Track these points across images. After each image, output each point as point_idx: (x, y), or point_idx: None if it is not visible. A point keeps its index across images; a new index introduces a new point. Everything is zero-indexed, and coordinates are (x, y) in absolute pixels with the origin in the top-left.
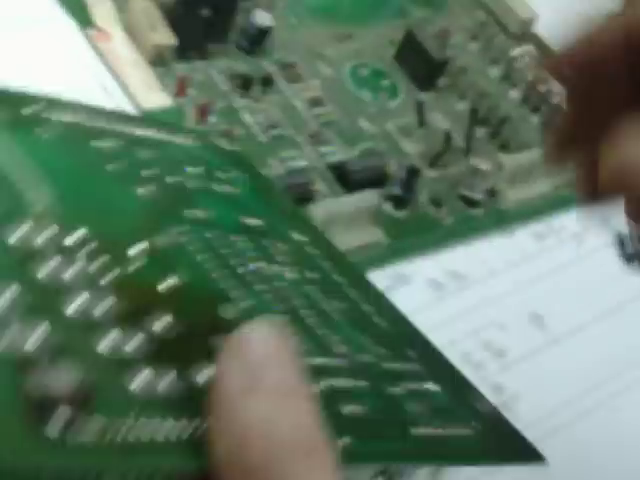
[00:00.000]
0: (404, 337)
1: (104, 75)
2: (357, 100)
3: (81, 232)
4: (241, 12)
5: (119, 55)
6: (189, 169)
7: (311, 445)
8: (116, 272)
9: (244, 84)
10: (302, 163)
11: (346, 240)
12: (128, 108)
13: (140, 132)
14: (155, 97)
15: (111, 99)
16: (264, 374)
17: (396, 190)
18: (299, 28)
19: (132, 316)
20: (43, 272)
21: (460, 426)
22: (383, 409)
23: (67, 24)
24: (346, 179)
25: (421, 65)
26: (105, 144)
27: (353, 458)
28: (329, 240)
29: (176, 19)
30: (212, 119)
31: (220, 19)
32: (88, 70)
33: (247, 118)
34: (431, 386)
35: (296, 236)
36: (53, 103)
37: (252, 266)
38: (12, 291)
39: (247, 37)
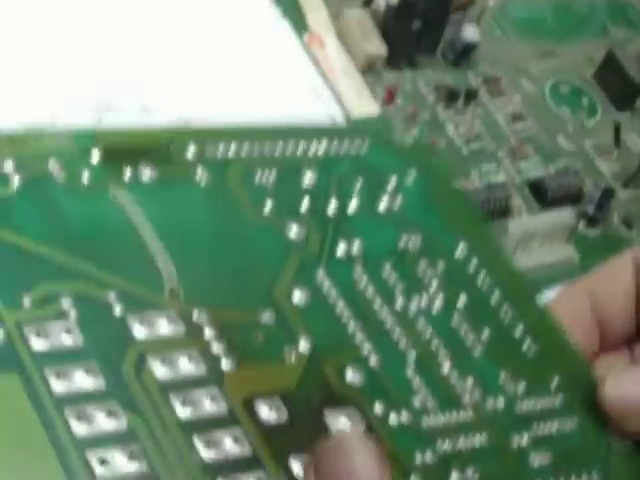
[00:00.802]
0: (555, 364)
1: (316, 80)
2: (556, 117)
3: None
4: (450, 24)
5: (331, 61)
6: (355, 185)
7: None
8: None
9: (449, 96)
10: (501, 177)
11: (539, 257)
12: (337, 114)
13: (302, 150)
14: (365, 104)
15: (321, 104)
16: None
17: (590, 209)
18: (504, 42)
19: None
20: None
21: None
22: (498, 470)
23: (283, 27)
24: (543, 195)
25: (620, 85)
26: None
27: None
28: (498, 250)
29: (388, 29)
30: (416, 130)
31: (430, 31)
32: (301, 73)
33: (450, 130)
34: (567, 423)
35: (461, 248)
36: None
37: (398, 303)
38: None
39: (454, 50)
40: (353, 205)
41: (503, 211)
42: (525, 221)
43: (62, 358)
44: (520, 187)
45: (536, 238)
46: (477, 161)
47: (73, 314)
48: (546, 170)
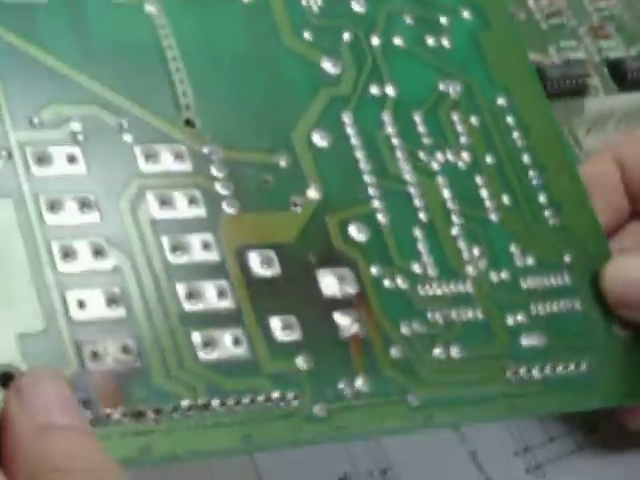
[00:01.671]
0: (571, 241)
1: None
2: None
3: None
4: None
5: None
6: (405, 20)
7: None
8: None
9: None
10: (579, 55)
11: (613, 138)
12: None
13: None
14: None
15: None
16: (54, 417)
17: None
18: None
19: None
20: None
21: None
22: (485, 349)
23: None
24: (622, 77)
25: None
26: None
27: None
28: (543, 111)
29: None
30: None
31: None
32: None
33: (531, 2)
34: (569, 305)
35: (498, 100)
36: None
37: (421, 155)
38: None
39: None
40: (398, 41)
41: (579, 89)
42: (602, 101)
43: (60, 188)
44: (599, 66)
45: (611, 120)
46: (556, 37)
47: (81, 138)
48: (627, 52)
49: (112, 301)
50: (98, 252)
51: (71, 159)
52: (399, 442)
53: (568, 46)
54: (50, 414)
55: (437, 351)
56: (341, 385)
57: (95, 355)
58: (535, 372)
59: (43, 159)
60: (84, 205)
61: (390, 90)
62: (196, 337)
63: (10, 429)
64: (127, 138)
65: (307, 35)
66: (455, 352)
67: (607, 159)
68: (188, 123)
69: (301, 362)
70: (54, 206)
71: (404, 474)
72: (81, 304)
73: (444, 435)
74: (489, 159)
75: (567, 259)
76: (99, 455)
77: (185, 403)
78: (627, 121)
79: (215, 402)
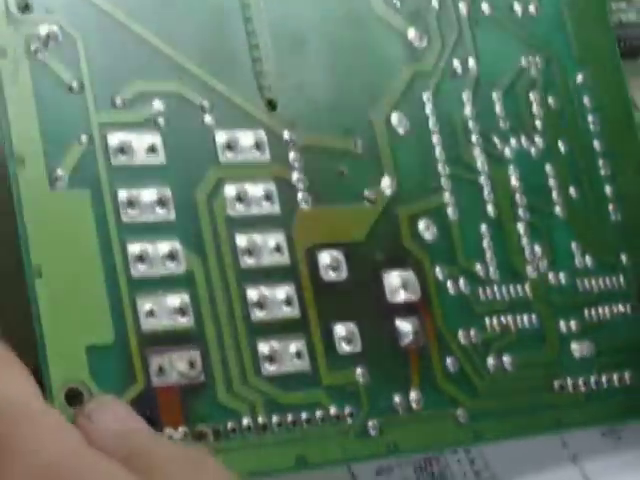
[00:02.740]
0: (632, 235)
1: None
2: None
3: None
4: None
5: None
6: None
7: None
8: None
9: None
10: (632, 17)
11: None
12: None
13: None
14: None
15: None
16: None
17: None
18: None
19: None
20: None
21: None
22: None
23: None
24: None
25: None
26: None
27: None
28: (622, 86)
29: None
30: None
31: None
32: None
33: None
34: (622, 308)
35: (578, 77)
36: None
37: (496, 142)
38: None
39: None
40: (485, 7)
41: (635, 51)
42: None
43: (139, 177)
44: None
45: None
46: None
47: (162, 121)
48: None
49: (181, 309)
50: (172, 255)
51: (151, 149)
52: None
53: (621, 7)
54: (121, 423)
55: (490, 361)
56: (396, 399)
57: (161, 370)
58: (580, 384)
59: (123, 147)
60: (161, 202)
61: (472, 64)
62: (262, 348)
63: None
64: (208, 120)
65: (396, 1)
66: (507, 361)
67: None
68: (270, 104)
69: (359, 374)
70: (132, 202)
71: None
72: (151, 313)
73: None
74: (561, 145)
75: (624, 260)
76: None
77: (245, 422)
78: None
79: (274, 421)
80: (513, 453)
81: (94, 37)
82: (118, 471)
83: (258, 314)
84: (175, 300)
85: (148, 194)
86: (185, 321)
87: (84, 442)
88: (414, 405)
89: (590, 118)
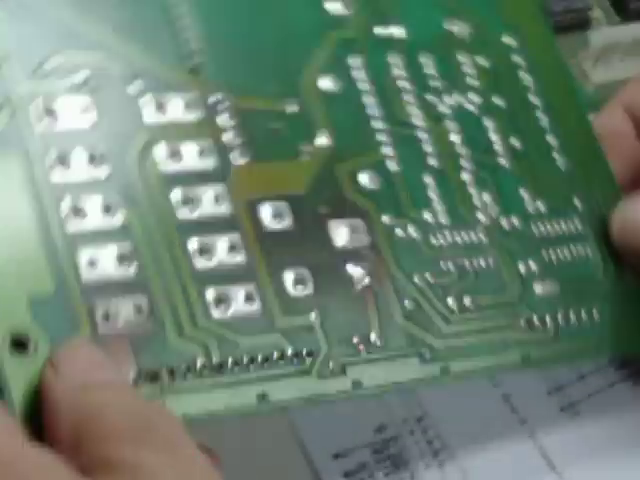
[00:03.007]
0: (582, 185)
1: None
2: None
3: None
4: None
5: None
6: None
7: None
8: None
9: None
10: None
11: (619, 72)
12: None
13: None
14: None
15: None
16: (90, 377)
17: None
18: None
19: None
20: None
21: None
22: (498, 297)
23: None
24: (624, 7)
25: None
26: None
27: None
28: (550, 50)
29: None
30: None
31: None
32: None
33: None
34: (581, 251)
35: (507, 40)
36: None
37: (429, 97)
38: None
39: None
40: None
41: (583, 23)
42: (607, 32)
43: (68, 141)
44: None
45: (617, 52)
46: None
47: (88, 89)
48: None
49: (123, 259)
50: (107, 209)
51: (80, 110)
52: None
53: None
54: (86, 375)
55: (450, 301)
56: (355, 340)
57: (107, 317)
58: (548, 320)
59: (50, 111)
60: (93, 160)
61: (397, 31)
62: (209, 294)
63: (49, 400)
64: (134, 87)
65: None
66: (468, 301)
67: (618, 112)
68: (193, 71)
69: (314, 317)
70: (62, 161)
71: (439, 420)
72: (91, 263)
73: (476, 380)
74: (498, 101)
75: (577, 203)
76: (139, 402)
77: (199, 363)
78: (633, 52)
79: (229, 361)
80: (471, 431)
81: (15, 16)
82: None
83: (202, 262)
84: (114, 250)
85: (78, 153)
86: (127, 270)
87: None
88: (375, 344)
89: (523, 75)
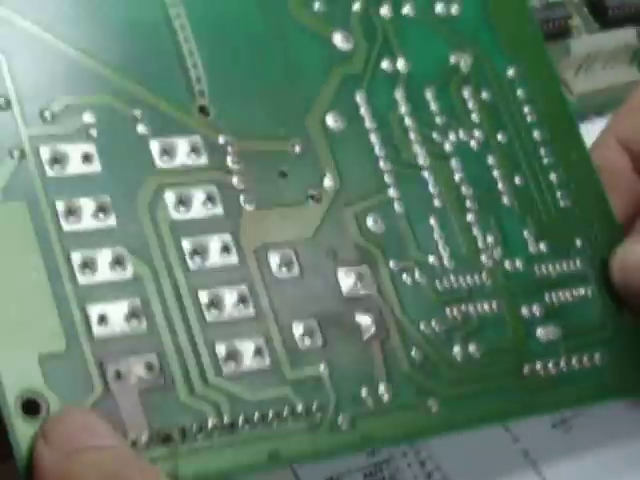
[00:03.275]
0: (583, 223)
1: None
2: None
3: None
4: None
5: None
6: None
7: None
8: None
9: None
10: None
11: (601, 79)
12: None
13: None
14: None
15: None
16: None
17: None
18: None
19: None
20: None
21: (590, 352)
22: (503, 343)
23: None
24: (603, 14)
25: None
26: None
27: (444, 427)
28: (553, 82)
29: None
30: None
31: None
32: None
33: None
34: (583, 292)
35: (510, 72)
36: None
37: (434, 136)
38: None
39: None
40: (407, 10)
41: (562, 31)
42: (587, 40)
43: (76, 187)
44: (578, 6)
45: (598, 59)
46: None
47: (94, 132)
48: None
49: (133, 314)
50: (118, 261)
51: (86, 157)
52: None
53: None
54: (73, 441)
55: (456, 349)
56: (364, 393)
57: (118, 376)
58: (550, 366)
59: (57, 158)
60: (101, 209)
61: (402, 65)
62: (220, 349)
63: (38, 468)
64: (142, 129)
65: (318, 6)
66: (473, 349)
67: (612, 145)
68: (202, 110)
69: (323, 369)
70: (71, 211)
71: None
72: (102, 319)
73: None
74: (500, 137)
75: (578, 244)
76: (118, 464)
77: (210, 422)
78: (613, 60)
79: (240, 419)
80: (464, 452)
81: (18, 56)
82: None
83: (212, 314)
84: (126, 305)
85: (87, 202)
86: (138, 325)
87: None
88: (383, 397)
89: (526, 109)
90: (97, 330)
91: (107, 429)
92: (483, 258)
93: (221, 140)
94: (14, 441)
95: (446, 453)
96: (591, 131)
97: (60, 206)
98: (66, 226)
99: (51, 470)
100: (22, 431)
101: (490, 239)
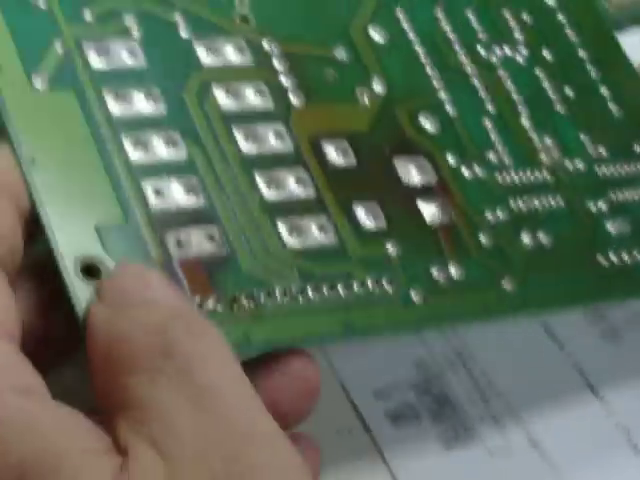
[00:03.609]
0: (636, 128)
1: None
2: None
3: None
4: None
5: None
6: None
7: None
8: None
9: None
10: None
11: None
12: None
13: None
14: None
15: None
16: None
17: None
18: None
19: None
20: None
21: None
22: (572, 234)
23: None
24: None
25: None
26: None
27: (519, 306)
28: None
29: None
30: None
31: None
32: None
33: None
34: None
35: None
36: None
37: (479, 50)
38: None
39: None
40: None
41: None
42: None
43: (122, 79)
44: None
45: None
46: None
47: (136, 33)
48: None
49: (190, 190)
50: (170, 142)
51: (131, 52)
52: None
53: None
54: (126, 296)
55: (525, 237)
56: (434, 271)
57: (179, 244)
58: (624, 256)
59: (102, 53)
60: (150, 97)
61: None
62: (281, 225)
63: (89, 326)
64: (185, 34)
65: None
66: (543, 238)
67: None
68: (244, 19)
69: (391, 248)
70: (118, 98)
71: (480, 354)
72: (158, 192)
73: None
74: (547, 54)
75: (637, 149)
76: (169, 321)
77: (279, 290)
78: None
79: (310, 290)
80: (515, 367)
81: None
82: None
83: (271, 195)
84: (182, 181)
85: (135, 92)
86: (195, 201)
87: None
88: (455, 276)
89: (568, 32)
90: (155, 203)
91: (163, 283)
92: (542, 157)
93: (265, 44)
94: (73, 304)
95: (497, 368)
96: (628, 42)
97: (108, 94)
98: (115, 111)
99: (100, 328)
100: (80, 293)
101: (548, 141)
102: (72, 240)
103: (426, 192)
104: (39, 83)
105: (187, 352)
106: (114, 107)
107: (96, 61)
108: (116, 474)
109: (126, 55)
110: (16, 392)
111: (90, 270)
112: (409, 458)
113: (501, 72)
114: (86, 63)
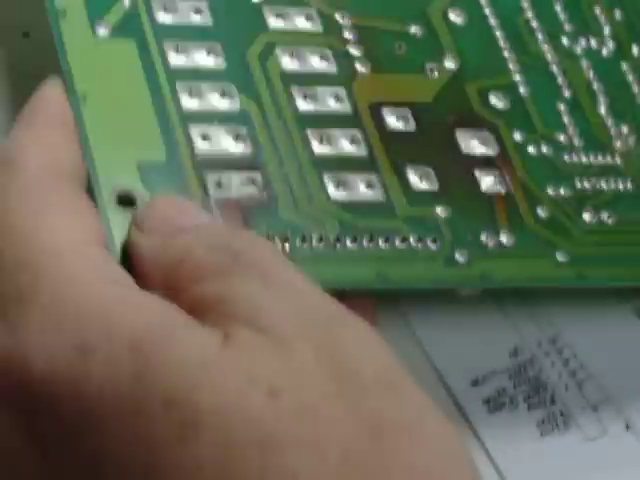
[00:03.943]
0: None
1: None
2: None
3: None
4: None
5: None
6: None
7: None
8: None
9: None
10: None
11: None
12: None
13: None
14: None
15: None
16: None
17: None
18: None
19: None
20: None
21: None
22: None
23: None
24: None
25: None
26: None
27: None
28: None
29: None
30: None
31: None
32: None
33: None
34: None
35: None
36: None
37: (563, 40)
38: None
39: None
40: None
41: None
42: None
43: (186, 34)
44: None
45: None
46: None
47: None
48: None
49: (238, 138)
50: (225, 94)
51: (197, 10)
52: (563, 309)
53: None
54: (169, 223)
55: (586, 215)
56: (484, 237)
57: (219, 185)
58: None
59: (168, 7)
60: (210, 51)
61: None
62: (327, 178)
63: (136, 257)
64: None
65: None
66: (605, 217)
67: None
68: None
69: (440, 210)
70: (179, 49)
71: (573, 339)
72: (205, 137)
73: (604, 295)
74: (635, 50)
75: None
76: (227, 235)
77: (315, 236)
78: None
79: (348, 238)
80: (606, 348)
81: None
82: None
83: (322, 149)
84: (231, 130)
85: (196, 46)
86: (243, 149)
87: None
88: (505, 243)
89: None
90: (200, 146)
91: (201, 210)
92: (616, 143)
93: (337, 15)
94: (110, 233)
95: (589, 350)
96: None
97: (169, 46)
98: (174, 61)
99: (152, 256)
100: (116, 221)
101: (625, 129)
102: (112, 172)
103: (486, 163)
104: (102, 30)
105: (255, 258)
106: (173, 58)
107: (162, 16)
108: (221, 342)
109: (193, 12)
110: (110, 282)
111: (126, 201)
112: (506, 443)
113: (584, 62)
114: (152, 17)
